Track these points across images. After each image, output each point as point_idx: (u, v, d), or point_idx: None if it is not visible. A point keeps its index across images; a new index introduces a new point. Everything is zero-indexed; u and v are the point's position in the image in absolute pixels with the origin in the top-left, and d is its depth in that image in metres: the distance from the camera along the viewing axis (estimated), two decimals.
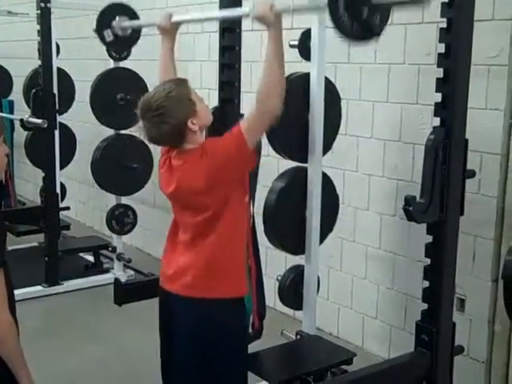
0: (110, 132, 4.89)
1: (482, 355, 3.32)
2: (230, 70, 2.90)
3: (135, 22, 3.35)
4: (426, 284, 2.25)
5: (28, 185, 7.35)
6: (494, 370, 3.29)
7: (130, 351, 3.93)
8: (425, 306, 2.28)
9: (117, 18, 3.18)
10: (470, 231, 3.21)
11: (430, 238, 2.24)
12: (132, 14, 3.65)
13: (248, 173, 2.36)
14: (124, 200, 5.08)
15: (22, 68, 6.31)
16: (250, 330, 2.79)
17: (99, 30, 3.35)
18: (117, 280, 2.97)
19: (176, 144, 2.26)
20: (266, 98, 2.16)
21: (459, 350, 2.41)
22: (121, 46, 3.65)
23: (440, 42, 2.09)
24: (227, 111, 2.85)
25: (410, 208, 2.06)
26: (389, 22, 3.58)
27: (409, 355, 2.27)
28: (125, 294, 2.97)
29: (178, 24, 2.68)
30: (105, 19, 3.40)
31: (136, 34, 3.64)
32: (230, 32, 2.86)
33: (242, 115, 2.98)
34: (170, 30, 2.66)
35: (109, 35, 3.16)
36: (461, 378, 3.09)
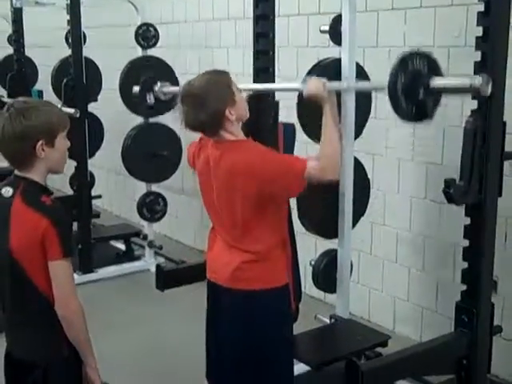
0: (136, 121, 4.95)
1: None
2: (264, 56, 2.93)
3: (176, 89, 3.33)
4: (465, 265, 2.28)
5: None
6: None
7: (165, 336, 4.01)
8: (463, 287, 2.31)
9: (158, 83, 3.21)
10: (504, 213, 3.22)
11: (467, 220, 2.26)
12: (174, 80, 3.57)
13: None
14: (153, 187, 5.15)
15: (46, 57, 6.39)
16: None
17: (142, 93, 3.39)
18: (159, 266, 3.04)
19: (212, 131, 2.29)
20: (327, 166, 2.22)
21: (498, 330, 2.44)
22: (162, 107, 3.65)
23: (477, 25, 2.10)
24: (262, 98, 2.88)
25: (451, 190, 2.08)
26: (418, 5, 3.64)
27: (449, 335, 2.31)
28: (167, 279, 3.03)
29: None
30: (147, 83, 3.47)
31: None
32: (264, 19, 2.89)
33: (277, 102, 3.01)
34: None
35: (150, 98, 3.21)
36: (495, 358, 3.12)
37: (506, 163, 3.04)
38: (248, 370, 2.34)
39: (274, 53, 2.93)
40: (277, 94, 3.07)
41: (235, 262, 2.32)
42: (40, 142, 1.92)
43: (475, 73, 2.14)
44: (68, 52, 4.98)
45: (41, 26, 6.79)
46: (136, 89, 3.88)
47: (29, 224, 1.91)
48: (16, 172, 2.01)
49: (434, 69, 2.12)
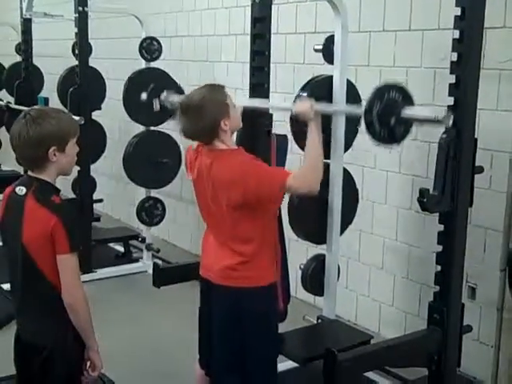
0: (137, 129, 5.16)
1: (490, 340, 3.55)
2: (259, 72, 3.14)
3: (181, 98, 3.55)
4: (438, 268, 2.50)
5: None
6: (502, 353, 3.52)
7: (160, 332, 4.21)
8: (437, 288, 2.52)
9: (165, 92, 3.42)
10: (482, 224, 3.45)
11: (441, 227, 2.48)
12: (179, 90, 3.72)
13: None
14: (152, 193, 5.36)
15: (52, 66, 6.62)
16: None
17: (149, 100, 3.63)
18: (155, 264, 3.24)
19: (208, 139, 2.52)
20: (310, 176, 2.47)
21: (467, 329, 2.64)
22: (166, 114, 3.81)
23: (452, 51, 2.32)
24: (257, 110, 3.09)
25: (424, 199, 2.30)
26: (407, 28, 3.86)
27: (422, 332, 2.51)
28: (163, 277, 3.24)
29: None
30: (155, 90, 3.66)
31: None
32: (260, 38, 3.10)
33: (271, 115, 3.22)
34: None
35: (156, 104, 3.43)
36: (471, 360, 3.32)
37: (486, 177, 3.30)
38: (235, 358, 2.55)
39: (269, 69, 3.14)
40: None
41: (227, 261, 2.53)
42: (52, 148, 2.13)
43: (449, 95, 2.36)
44: (73, 62, 5.24)
45: (48, 36, 7.02)
46: (144, 96, 4.06)
47: (40, 220, 2.11)
48: (29, 173, 2.22)
49: (407, 100, 2.32)
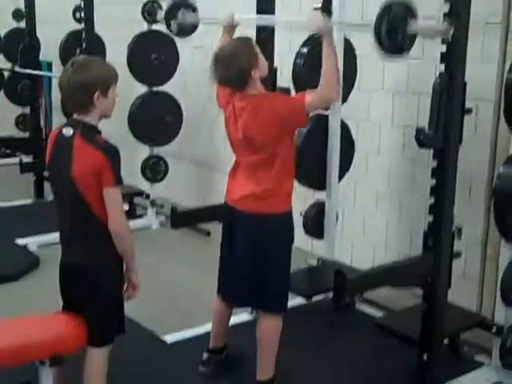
0: (136, 92, 5.36)
1: (475, 275, 3.89)
2: None
3: (198, 17, 3.73)
4: (432, 200, 2.80)
5: None
6: (486, 287, 3.87)
7: (174, 279, 4.49)
8: (430, 218, 2.83)
9: (180, 11, 3.62)
10: (468, 168, 3.75)
11: (435, 163, 2.78)
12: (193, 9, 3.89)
13: None
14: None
15: (49, 31, 6.77)
16: None
17: (167, 19, 3.80)
18: (173, 207, 3.52)
19: (240, 86, 2.82)
20: (326, 88, 2.74)
21: (457, 254, 2.96)
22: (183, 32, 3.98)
23: (445, 1, 2.61)
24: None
25: (421, 137, 2.60)
26: None
27: (418, 256, 2.83)
28: (180, 218, 3.51)
29: (237, 24, 3.22)
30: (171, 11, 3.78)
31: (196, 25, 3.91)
32: None
33: (275, 69, 3.49)
34: (230, 28, 3.22)
35: (175, 27, 3.66)
36: (459, 294, 3.63)
37: (471, 124, 3.59)
38: (259, 271, 2.86)
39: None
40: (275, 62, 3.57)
41: (253, 189, 2.84)
42: (97, 92, 2.40)
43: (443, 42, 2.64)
44: (72, 26, 5.53)
45: (47, 2, 7.15)
46: (161, 15, 4.16)
47: (88, 157, 2.39)
48: (75, 116, 2.48)
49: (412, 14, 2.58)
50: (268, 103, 2.78)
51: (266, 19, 3.46)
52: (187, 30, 3.70)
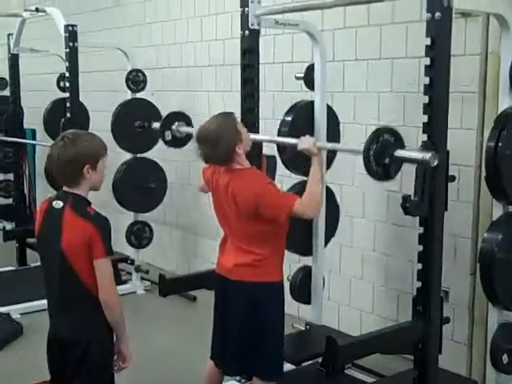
0: (122, 158, 5.42)
1: (464, 338, 3.89)
2: (250, 99, 3.49)
3: (190, 129, 4.01)
4: (419, 266, 2.82)
5: None
6: (475, 350, 3.86)
7: (151, 347, 4.38)
8: (419, 284, 2.84)
9: (176, 123, 3.90)
10: (452, 232, 3.80)
11: (421, 230, 2.81)
12: (188, 121, 4.22)
13: None
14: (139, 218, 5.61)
15: (33, 99, 6.85)
16: None
17: (162, 130, 4.06)
18: (161, 275, 3.50)
19: (225, 163, 2.91)
20: (309, 207, 2.88)
21: (446, 320, 2.97)
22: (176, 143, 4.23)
23: (425, 75, 2.69)
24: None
25: (407, 204, 2.64)
26: (378, 57, 4.25)
27: (408, 323, 2.82)
28: (169, 286, 3.49)
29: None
30: (167, 122, 4.11)
31: (189, 136, 4.15)
32: (249, 68, 3.45)
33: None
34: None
35: (168, 135, 3.84)
36: (447, 358, 3.61)
37: (454, 189, 3.65)
38: (248, 344, 2.88)
39: (258, 96, 3.52)
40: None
41: (243, 260, 2.90)
42: (87, 166, 2.43)
43: (424, 113, 2.72)
44: (56, 95, 5.64)
45: (30, 71, 7.25)
46: (156, 125, 4.37)
47: (78, 229, 2.41)
48: (65, 188, 2.50)
49: (399, 142, 2.76)
50: (253, 188, 2.84)
51: (264, 138, 3.59)
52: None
